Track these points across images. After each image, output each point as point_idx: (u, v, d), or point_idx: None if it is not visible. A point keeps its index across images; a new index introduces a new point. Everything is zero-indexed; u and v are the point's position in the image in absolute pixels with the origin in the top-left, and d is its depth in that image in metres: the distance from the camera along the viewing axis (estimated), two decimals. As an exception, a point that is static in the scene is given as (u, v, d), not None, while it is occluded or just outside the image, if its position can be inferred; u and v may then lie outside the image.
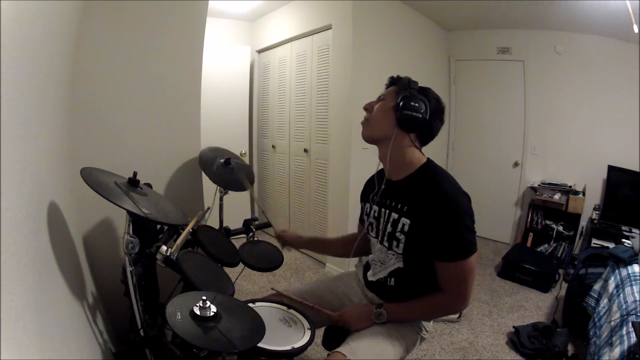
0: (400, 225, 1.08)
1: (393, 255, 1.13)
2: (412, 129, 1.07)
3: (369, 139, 1.15)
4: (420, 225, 1.04)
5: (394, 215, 1.10)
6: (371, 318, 1.13)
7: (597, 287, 2.09)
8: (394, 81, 1.16)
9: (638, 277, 1.83)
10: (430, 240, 1.03)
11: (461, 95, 4.05)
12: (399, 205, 1.10)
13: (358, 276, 1.37)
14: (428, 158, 1.14)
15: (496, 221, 3.81)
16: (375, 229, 1.19)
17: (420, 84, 1.12)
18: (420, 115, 1.05)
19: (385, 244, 1.13)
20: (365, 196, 1.29)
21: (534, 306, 2.58)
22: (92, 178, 0.94)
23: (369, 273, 1.25)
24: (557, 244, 3.33)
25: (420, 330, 1.21)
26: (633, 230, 2.92)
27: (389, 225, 1.11)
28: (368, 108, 1.15)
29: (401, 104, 1.05)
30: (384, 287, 1.19)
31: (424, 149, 1.16)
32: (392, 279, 1.16)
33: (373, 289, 1.25)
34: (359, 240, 1.30)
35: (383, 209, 1.15)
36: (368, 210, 1.23)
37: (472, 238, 1.01)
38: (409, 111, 1.04)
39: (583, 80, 3.37)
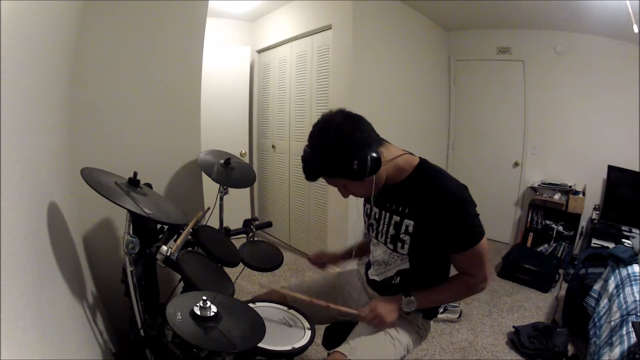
0: (403, 227, 1.08)
1: (398, 257, 1.14)
2: (379, 166, 0.99)
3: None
4: (425, 224, 1.04)
5: (396, 218, 1.10)
6: (400, 307, 1.10)
7: (597, 287, 2.09)
8: (313, 176, 1.07)
9: (638, 277, 1.82)
10: (439, 236, 1.03)
11: (461, 95, 4.05)
12: (400, 208, 1.10)
13: (360, 273, 1.37)
14: (420, 158, 1.12)
15: (496, 221, 3.81)
16: (376, 230, 1.19)
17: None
18: (370, 155, 0.96)
19: (390, 245, 1.13)
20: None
21: (534, 306, 2.58)
22: (92, 178, 0.94)
23: (370, 272, 1.26)
24: (557, 244, 3.33)
25: (420, 330, 1.21)
26: (633, 230, 2.92)
27: (391, 227, 1.11)
28: (346, 195, 1.11)
29: (356, 176, 0.98)
30: (389, 286, 1.19)
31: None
32: (398, 278, 1.17)
33: (375, 287, 1.25)
34: (360, 243, 1.33)
35: (383, 212, 1.15)
36: (368, 211, 1.22)
37: (479, 222, 1.03)
38: (364, 170, 0.96)
39: (583, 80, 3.36)
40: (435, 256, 1.11)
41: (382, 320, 1.08)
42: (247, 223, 1.65)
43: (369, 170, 0.97)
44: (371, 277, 1.25)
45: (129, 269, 0.97)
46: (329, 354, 1.08)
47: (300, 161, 1.08)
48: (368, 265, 1.30)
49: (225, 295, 0.97)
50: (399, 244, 1.10)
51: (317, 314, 1.27)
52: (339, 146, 0.98)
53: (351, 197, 1.17)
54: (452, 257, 1.09)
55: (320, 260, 1.42)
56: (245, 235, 1.64)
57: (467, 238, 1.03)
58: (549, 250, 3.33)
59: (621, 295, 1.77)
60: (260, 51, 3.83)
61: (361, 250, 1.38)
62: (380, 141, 1.06)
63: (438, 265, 1.15)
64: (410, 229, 1.07)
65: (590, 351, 1.79)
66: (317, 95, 3.07)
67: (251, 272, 2.81)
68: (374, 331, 1.13)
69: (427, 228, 1.04)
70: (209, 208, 1.57)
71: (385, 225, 1.14)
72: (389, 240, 1.13)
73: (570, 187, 3.39)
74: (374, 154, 0.97)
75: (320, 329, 1.32)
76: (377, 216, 1.18)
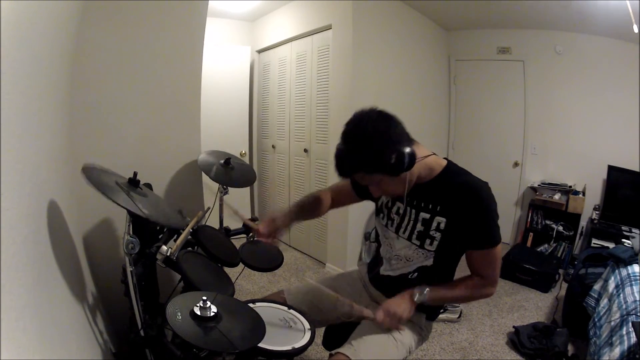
0: (434, 224, 1.09)
1: (423, 253, 1.13)
2: (414, 162, 1.01)
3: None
4: (457, 221, 1.06)
5: (425, 215, 1.10)
6: (413, 300, 1.10)
7: (597, 287, 2.09)
8: (350, 172, 1.06)
9: (638, 277, 1.82)
10: (465, 232, 1.05)
11: (461, 95, 4.05)
12: (430, 205, 1.10)
13: (360, 273, 1.37)
14: (448, 160, 1.14)
15: (496, 221, 3.80)
16: (397, 225, 1.18)
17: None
18: (407, 151, 0.98)
19: (416, 242, 1.13)
20: None
21: (534, 306, 2.58)
22: (93, 176, 0.94)
23: (384, 268, 1.24)
24: (557, 244, 3.33)
25: (422, 331, 1.21)
26: (633, 230, 2.92)
27: (419, 224, 1.12)
28: (379, 194, 1.15)
29: (392, 171, 0.99)
30: (405, 280, 1.18)
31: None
32: (416, 274, 1.17)
33: (380, 287, 1.25)
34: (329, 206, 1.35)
35: (409, 208, 1.15)
36: (390, 204, 1.22)
37: (498, 226, 1.06)
38: (402, 165, 0.98)
39: (583, 80, 3.36)
40: (461, 254, 1.13)
41: (400, 317, 1.08)
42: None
43: (406, 164, 0.99)
44: (384, 273, 1.23)
45: (129, 269, 0.97)
46: (331, 355, 1.08)
47: (333, 157, 1.07)
48: (372, 265, 1.30)
49: (225, 295, 0.97)
50: (428, 241, 1.11)
51: (318, 317, 1.26)
52: (376, 141, 0.99)
53: None
54: (469, 255, 1.10)
55: (270, 229, 1.23)
56: (245, 235, 1.64)
57: (489, 236, 1.05)
58: (549, 250, 3.33)
59: (621, 295, 1.77)
60: (260, 51, 3.83)
61: (311, 207, 1.34)
62: (411, 140, 1.07)
63: (457, 264, 1.17)
64: (442, 225, 1.07)
65: (590, 351, 1.79)
66: (317, 95, 3.07)
67: (251, 272, 2.82)
68: (377, 332, 1.12)
69: (458, 225, 1.06)
70: (209, 208, 1.57)
71: (412, 222, 1.14)
72: (415, 236, 1.13)
73: (570, 187, 3.39)
74: (409, 150, 0.99)
75: (320, 329, 1.32)
76: (400, 211, 1.18)
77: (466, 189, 1.04)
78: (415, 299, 1.09)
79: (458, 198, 1.04)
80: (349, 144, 1.03)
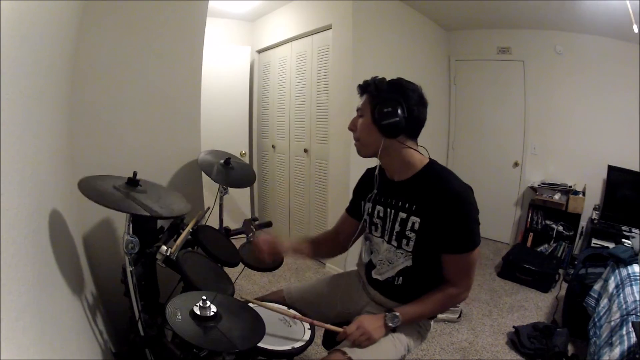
0: (410, 224, 1.08)
1: (402, 254, 1.13)
2: (396, 133, 1.06)
3: (365, 156, 1.15)
4: (431, 222, 1.05)
5: (402, 215, 1.10)
6: (387, 324, 1.09)
7: (597, 287, 2.09)
8: (363, 88, 1.12)
9: (638, 277, 1.82)
10: (440, 235, 1.04)
11: (461, 95, 4.05)
12: (407, 205, 1.09)
13: (360, 274, 1.37)
14: (430, 158, 1.14)
15: (496, 221, 3.81)
16: (381, 229, 1.18)
17: (420, 84, 1.11)
18: (398, 118, 1.03)
19: (394, 243, 1.13)
20: (361, 193, 1.27)
21: (534, 306, 2.58)
22: (90, 188, 0.94)
23: (374, 272, 1.25)
24: (557, 244, 3.33)
25: (421, 330, 1.21)
26: (633, 230, 2.92)
27: (397, 224, 1.11)
28: (352, 128, 1.13)
29: (376, 114, 1.04)
30: (392, 286, 1.18)
31: (425, 147, 1.16)
32: (400, 278, 1.16)
33: (377, 287, 1.25)
34: (357, 233, 1.28)
35: (389, 209, 1.15)
36: (370, 210, 1.22)
37: (478, 230, 1.04)
38: (386, 119, 1.03)
39: (583, 80, 3.36)
40: (438, 255, 1.11)
41: (370, 337, 1.06)
42: (247, 223, 1.65)
43: (386, 123, 1.02)
44: (374, 276, 1.24)
45: (128, 269, 0.97)
46: (329, 353, 1.08)
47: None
48: (369, 267, 1.30)
49: (225, 295, 0.97)
50: (404, 241, 1.10)
51: (318, 316, 1.26)
52: (402, 91, 1.06)
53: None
54: (444, 259, 1.08)
55: (266, 248, 1.24)
56: (245, 235, 1.64)
57: (465, 241, 1.03)
58: (549, 250, 3.33)
59: (621, 295, 1.77)
60: (260, 51, 3.83)
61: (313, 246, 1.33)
62: (416, 132, 1.12)
63: (440, 264, 1.14)
64: (417, 226, 1.07)
65: (590, 351, 1.79)
66: (317, 95, 3.07)
67: (251, 272, 2.82)
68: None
69: (432, 225, 1.05)
70: (209, 208, 1.57)
71: (391, 223, 1.14)
72: (394, 237, 1.13)
73: (570, 187, 3.39)
74: (402, 120, 1.02)
75: (320, 329, 1.32)
76: (381, 214, 1.18)
77: (445, 192, 1.03)
78: (388, 323, 1.09)
79: (435, 200, 1.03)
80: (392, 80, 1.10)
